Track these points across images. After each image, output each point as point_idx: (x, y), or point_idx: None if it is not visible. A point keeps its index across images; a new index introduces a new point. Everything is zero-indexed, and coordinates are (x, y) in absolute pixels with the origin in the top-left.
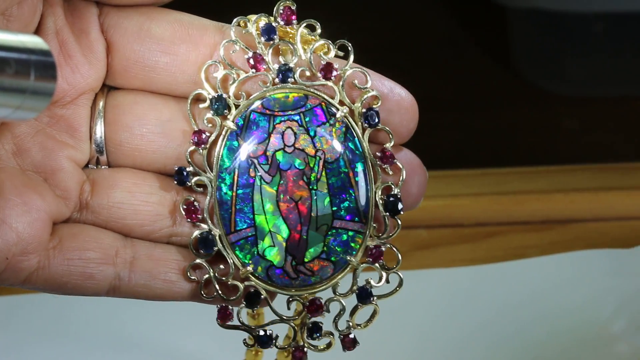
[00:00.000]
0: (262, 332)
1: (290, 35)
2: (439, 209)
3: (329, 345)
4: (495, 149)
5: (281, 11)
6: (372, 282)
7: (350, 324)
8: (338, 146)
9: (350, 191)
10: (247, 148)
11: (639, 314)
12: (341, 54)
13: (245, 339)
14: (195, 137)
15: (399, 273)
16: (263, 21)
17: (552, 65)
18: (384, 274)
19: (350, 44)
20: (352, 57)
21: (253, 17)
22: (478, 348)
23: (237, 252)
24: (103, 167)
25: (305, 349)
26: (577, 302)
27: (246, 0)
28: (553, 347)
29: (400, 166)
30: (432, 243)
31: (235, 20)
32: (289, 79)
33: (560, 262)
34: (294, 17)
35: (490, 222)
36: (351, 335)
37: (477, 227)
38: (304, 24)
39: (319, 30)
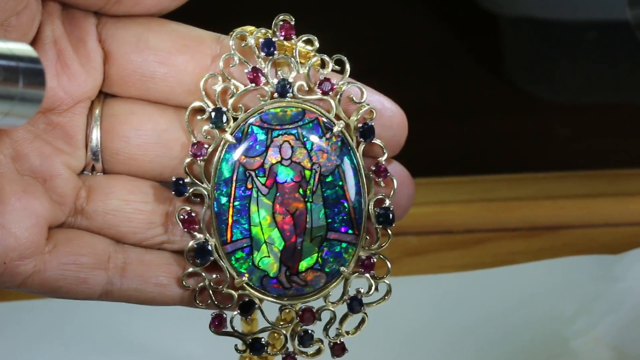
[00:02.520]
0: (254, 340)
1: (288, 49)
2: (428, 216)
3: (318, 351)
4: (487, 157)
5: (280, 25)
6: (362, 291)
7: (340, 331)
8: (334, 160)
9: (345, 204)
10: (245, 161)
11: (626, 319)
12: (338, 68)
13: (236, 345)
14: (194, 149)
15: (387, 282)
16: (262, 35)
17: (544, 72)
18: (374, 283)
19: (346, 59)
20: (348, 72)
21: (248, 28)
22: (467, 353)
23: (233, 262)
24: (98, 173)
25: (295, 355)
26: (565, 307)
27: (243, 11)
28: (541, 353)
29: (393, 179)
30: (422, 249)
31: (234, 32)
32: (288, 94)
33: (548, 268)
34: (293, 32)
35: (480, 229)
36: (341, 343)
37: (467, 234)
38: (303, 39)
39: (316, 45)
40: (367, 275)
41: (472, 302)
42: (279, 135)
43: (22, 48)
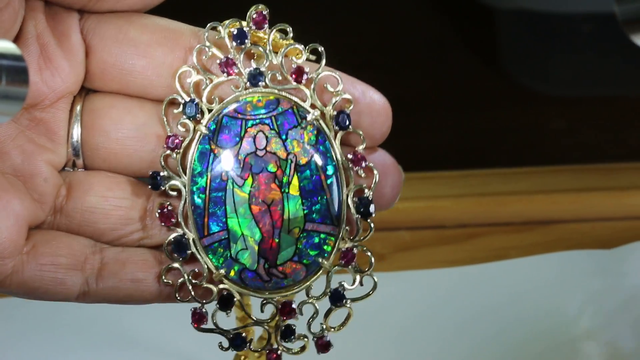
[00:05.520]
0: (235, 335)
1: (264, 40)
2: (420, 211)
3: (302, 348)
4: (481, 151)
5: (254, 16)
6: (346, 285)
7: (324, 326)
8: (309, 149)
9: (322, 194)
10: (219, 152)
11: (618, 314)
12: (313, 57)
13: (220, 343)
14: (169, 142)
15: (373, 276)
16: (235, 26)
17: (539, 65)
18: (358, 277)
19: (322, 48)
20: (324, 61)
21: (227, 22)
22: (460, 349)
23: (210, 256)
24: (79, 169)
25: (280, 352)
26: (558, 302)
27: (226, 6)
28: (534, 348)
29: (373, 169)
30: (414, 244)
31: (208, 25)
32: (260, 83)
33: (541, 263)
34: (265, 21)
35: (472, 224)
36: (326, 338)
37: (459, 229)
38: (276, 29)
39: (291, 35)
40: (350, 268)
41: (465, 297)
42: (253, 125)
43: (5, 45)
